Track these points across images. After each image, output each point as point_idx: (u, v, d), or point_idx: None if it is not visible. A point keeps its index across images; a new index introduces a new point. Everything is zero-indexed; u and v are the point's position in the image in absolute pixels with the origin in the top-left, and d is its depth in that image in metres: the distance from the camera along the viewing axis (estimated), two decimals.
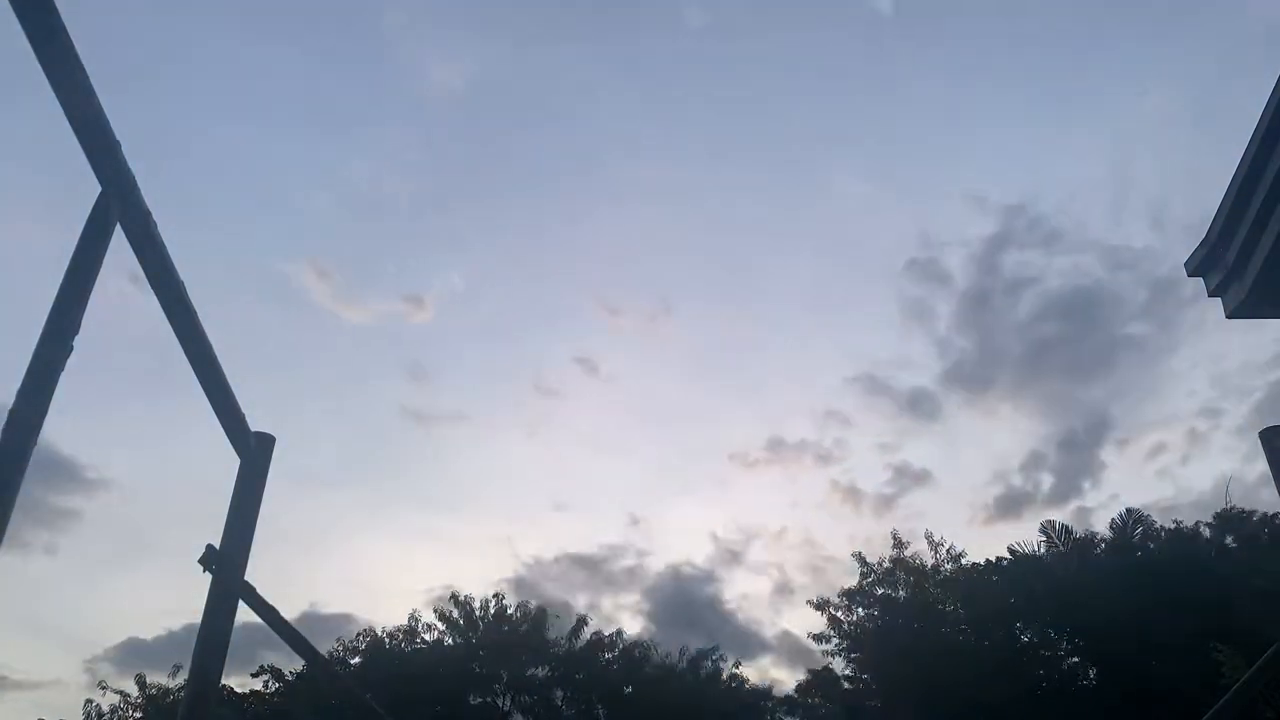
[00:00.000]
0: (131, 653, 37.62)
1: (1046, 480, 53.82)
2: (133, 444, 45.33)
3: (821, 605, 31.82)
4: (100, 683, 31.32)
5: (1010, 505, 47.67)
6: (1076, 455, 48.45)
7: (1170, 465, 53.73)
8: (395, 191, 53.00)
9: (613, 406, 57.80)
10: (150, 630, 45.92)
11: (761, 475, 54.03)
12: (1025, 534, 50.46)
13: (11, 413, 1.84)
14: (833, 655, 31.90)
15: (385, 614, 61.64)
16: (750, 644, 50.09)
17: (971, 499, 52.25)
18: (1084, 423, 49.52)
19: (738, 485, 56.92)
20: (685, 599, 44.02)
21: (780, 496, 59.24)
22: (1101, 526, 50.33)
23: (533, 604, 35.14)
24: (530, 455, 54.66)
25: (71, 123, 2.01)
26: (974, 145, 54.66)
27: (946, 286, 54.31)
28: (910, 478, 52.18)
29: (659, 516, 60.97)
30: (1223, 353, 47.42)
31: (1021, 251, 54.33)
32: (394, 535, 52.03)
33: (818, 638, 31.76)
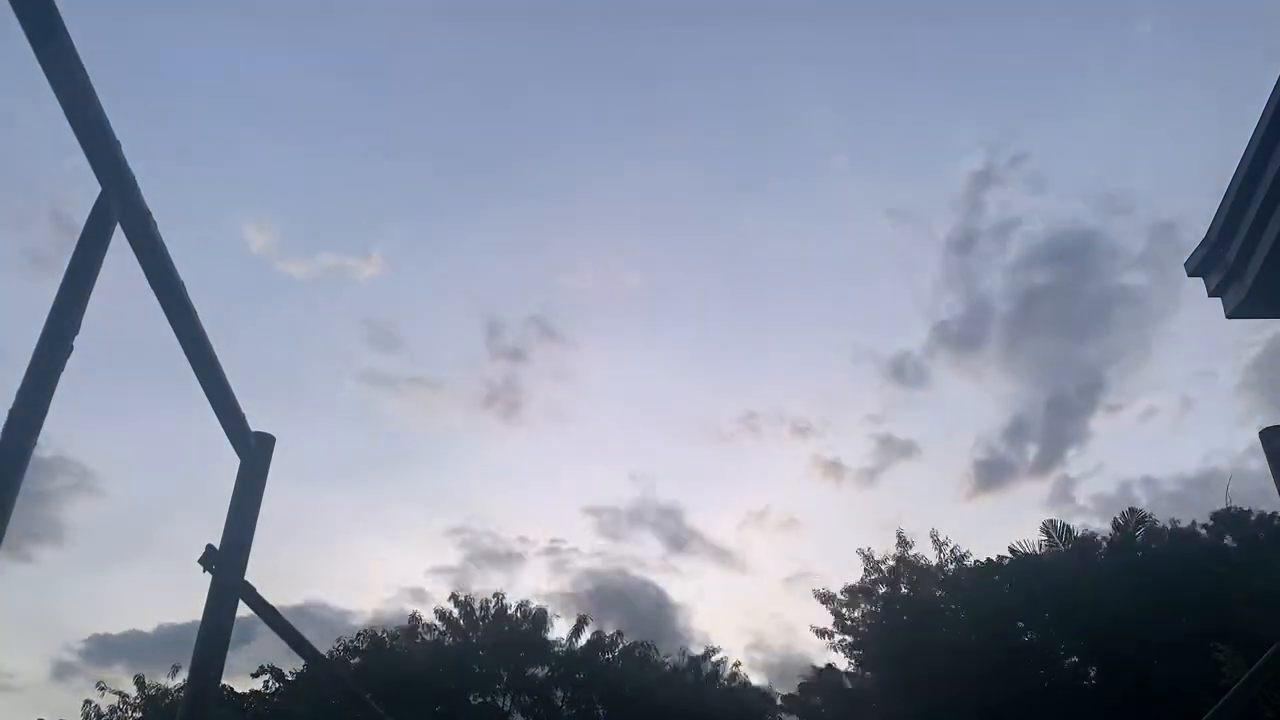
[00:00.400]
0: (98, 650, 37.84)
1: (1031, 450, 52.42)
2: (119, 444, 44.81)
3: (826, 599, 31.95)
4: (99, 683, 31.42)
5: (994, 477, 46.79)
6: (1063, 421, 47.14)
7: (1160, 433, 51.34)
8: (347, 145, 51.25)
9: (577, 372, 55.50)
10: (117, 627, 44.67)
11: (737, 448, 52.43)
12: (1008, 505, 49.16)
13: (11, 413, 1.84)
14: (835, 650, 32.05)
15: (351, 599, 60.10)
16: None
17: (956, 471, 50.65)
18: (1073, 386, 48.10)
19: (712, 459, 55.27)
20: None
21: (757, 471, 57.21)
22: (1085, 498, 49.33)
23: (532, 604, 35.19)
24: (490, 426, 52.96)
25: (71, 123, 2.01)
26: (960, 76, 50.65)
27: (930, 230, 51.71)
28: (894, 449, 50.56)
29: (632, 493, 59.78)
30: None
31: (1005, 190, 50.97)
32: (354, 514, 51.16)
33: (821, 633, 31.88)
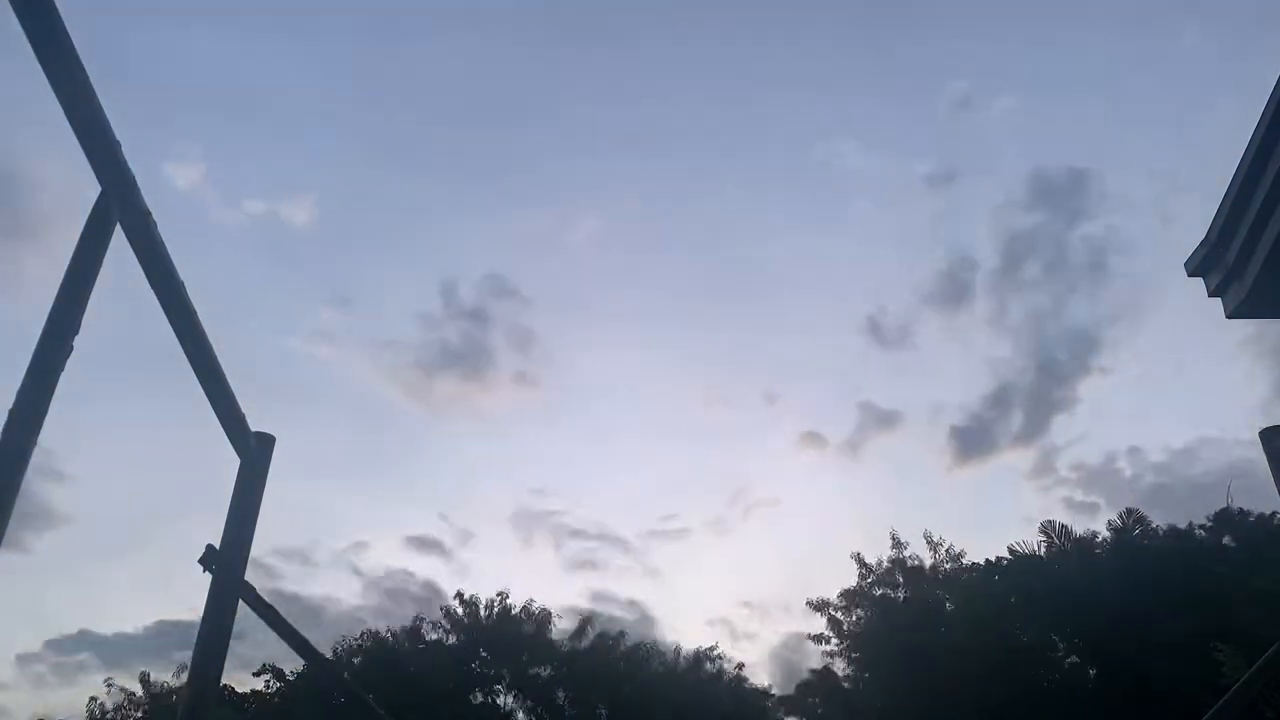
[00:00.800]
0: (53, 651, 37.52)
1: (1017, 417, 50.96)
2: (106, 445, 43.62)
3: (820, 606, 31.86)
4: (106, 680, 31.60)
5: (979, 445, 45.76)
6: (1050, 387, 45.52)
7: (1148, 399, 49.31)
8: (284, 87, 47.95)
9: (542, 340, 52.50)
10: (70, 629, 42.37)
11: (710, 418, 50.69)
12: (990, 476, 48.09)
13: (11, 413, 1.84)
14: (832, 656, 31.95)
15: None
16: None
17: (940, 440, 49.07)
18: (1062, 347, 46.43)
19: (683, 429, 53.64)
20: None
21: (736, 444, 54.88)
22: (1067, 468, 48.50)
23: (536, 605, 35.22)
24: (451, 390, 50.71)
25: (71, 123, 2.02)
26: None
27: (912, 183, 47.83)
28: (876, 419, 49.59)
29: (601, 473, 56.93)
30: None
31: (988, 130, 46.92)
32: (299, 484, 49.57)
33: (817, 638, 31.80)
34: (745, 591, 54.31)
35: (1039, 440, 49.44)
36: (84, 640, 38.17)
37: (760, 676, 36.76)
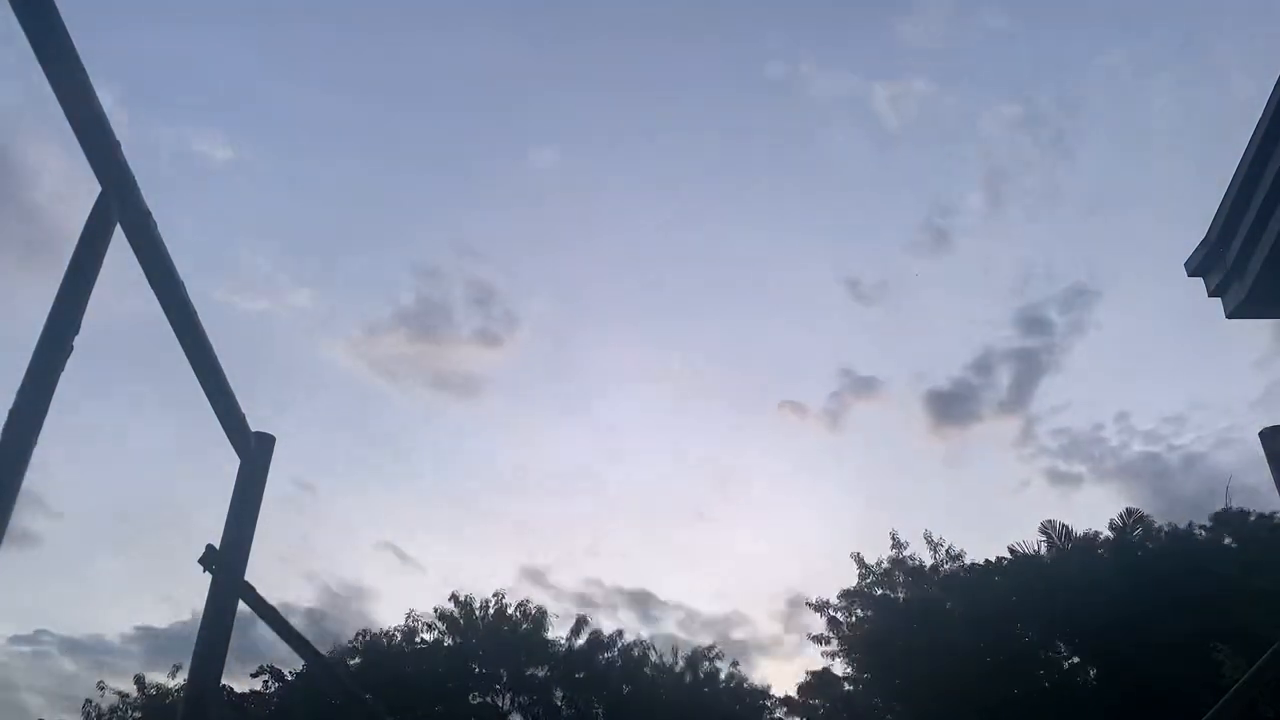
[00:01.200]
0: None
1: (998, 381, 49.20)
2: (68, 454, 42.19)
3: (821, 607, 31.86)
4: (99, 683, 31.52)
5: (958, 417, 44.43)
6: (1032, 348, 43.99)
7: (1139, 360, 47.22)
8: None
9: (497, 289, 50.20)
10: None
11: (686, 394, 49.27)
12: (970, 445, 46.90)
13: (11, 413, 1.84)
14: (833, 656, 31.96)
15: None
16: None
17: (921, 409, 47.16)
18: (1050, 300, 44.74)
19: (660, 404, 51.87)
20: None
21: (710, 417, 52.86)
22: (1048, 437, 47.12)
23: (533, 604, 35.24)
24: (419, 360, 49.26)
25: (71, 123, 2.01)
26: None
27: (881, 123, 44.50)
28: (855, 384, 47.26)
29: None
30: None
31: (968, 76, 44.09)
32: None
33: (817, 639, 31.80)
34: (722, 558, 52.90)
35: (1020, 406, 47.64)
36: (52, 639, 38.15)
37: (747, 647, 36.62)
